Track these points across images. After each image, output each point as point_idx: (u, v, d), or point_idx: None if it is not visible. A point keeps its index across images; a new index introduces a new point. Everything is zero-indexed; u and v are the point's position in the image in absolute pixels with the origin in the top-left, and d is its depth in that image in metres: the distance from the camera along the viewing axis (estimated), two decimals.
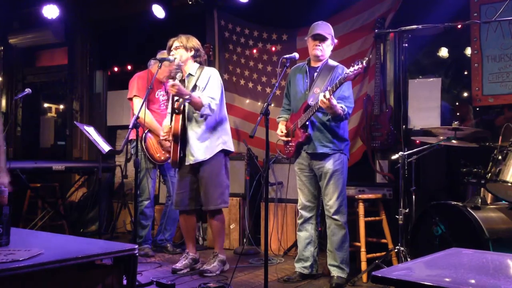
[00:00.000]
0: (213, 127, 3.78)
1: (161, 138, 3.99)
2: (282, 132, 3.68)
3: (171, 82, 3.58)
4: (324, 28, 3.56)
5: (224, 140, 3.82)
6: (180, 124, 3.73)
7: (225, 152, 3.83)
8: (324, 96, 3.21)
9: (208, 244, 4.89)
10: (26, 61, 7.42)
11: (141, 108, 3.63)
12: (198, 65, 3.85)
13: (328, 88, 3.29)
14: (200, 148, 3.73)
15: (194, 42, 3.83)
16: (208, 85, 3.73)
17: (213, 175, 3.75)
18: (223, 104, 3.89)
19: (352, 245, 3.74)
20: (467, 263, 1.59)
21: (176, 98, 3.79)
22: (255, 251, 4.65)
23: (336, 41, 3.71)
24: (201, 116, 3.69)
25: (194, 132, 3.74)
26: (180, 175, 3.87)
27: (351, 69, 3.15)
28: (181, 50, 3.78)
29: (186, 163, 3.76)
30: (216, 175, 3.76)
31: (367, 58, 3.19)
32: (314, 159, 3.56)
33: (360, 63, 3.12)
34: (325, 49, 3.58)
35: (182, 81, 3.86)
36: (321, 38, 3.53)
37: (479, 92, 4.37)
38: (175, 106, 3.78)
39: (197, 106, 3.63)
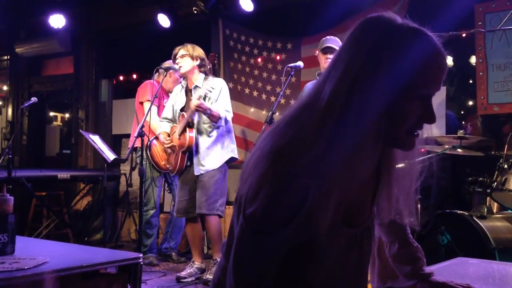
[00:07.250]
0: (222, 136, 3.80)
1: (166, 146, 3.95)
2: None
3: (195, 98, 3.59)
4: (333, 42, 3.63)
5: (232, 148, 3.85)
6: (194, 136, 3.75)
7: (227, 160, 3.84)
8: None
9: (212, 252, 4.87)
10: (32, 70, 7.47)
11: (147, 114, 3.71)
12: (204, 75, 3.87)
13: None
14: (210, 157, 3.74)
15: (200, 51, 3.86)
16: (221, 98, 3.76)
17: (211, 181, 3.73)
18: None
19: None
20: (473, 273, 1.58)
21: (181, 107, 3.83)
22: None
23: None
24: (217, 127, 3.73)
25: (204, 142, 3.75)
26: (181, 182, 3.88)
27: None
28: (187, 58, 3.79)
29: (196, 173, 3.74)
30: (215, 181, 3.74)
31: None
32: None
33: None
34: None
35: (189, 90, 3.88)
36: (331, 51, 3.56)
37: (484, 101, 4.36)
38: (184, 117, 3.77)
39: (214, 118, 3.67)
